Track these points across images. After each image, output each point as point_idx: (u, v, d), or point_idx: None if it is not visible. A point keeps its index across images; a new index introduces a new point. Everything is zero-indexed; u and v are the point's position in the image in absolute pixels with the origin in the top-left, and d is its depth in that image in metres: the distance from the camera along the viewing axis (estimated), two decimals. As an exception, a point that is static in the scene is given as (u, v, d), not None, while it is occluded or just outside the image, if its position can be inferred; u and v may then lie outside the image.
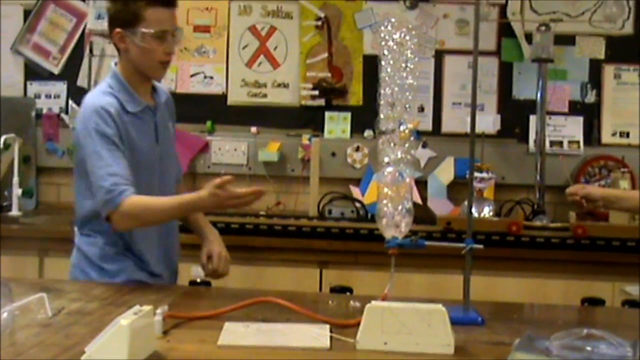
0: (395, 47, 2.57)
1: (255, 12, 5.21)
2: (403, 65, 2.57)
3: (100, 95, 3.13)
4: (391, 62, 2.57)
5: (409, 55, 2.57)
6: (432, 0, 5.10)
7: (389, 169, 2.56)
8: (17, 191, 4.76)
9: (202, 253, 3.37)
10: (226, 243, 3.43)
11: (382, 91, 2.57)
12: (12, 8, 5.32)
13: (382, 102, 2.57)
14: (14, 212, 4.75)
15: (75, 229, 3.28)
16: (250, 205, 3.05)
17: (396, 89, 2.56)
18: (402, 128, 2.55)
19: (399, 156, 2.56)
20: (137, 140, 3.11)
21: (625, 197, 3.51)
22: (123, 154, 3.02)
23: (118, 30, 3.12)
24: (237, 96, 5.15)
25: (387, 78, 2.57)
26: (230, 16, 5.20)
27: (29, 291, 2.62)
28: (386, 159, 2.57)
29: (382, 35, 2.58)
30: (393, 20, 2.58)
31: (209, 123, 5.06)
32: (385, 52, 2.58)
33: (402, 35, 2.56)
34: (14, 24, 5.33)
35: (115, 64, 3.24)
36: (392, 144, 2.56)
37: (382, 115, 2.57)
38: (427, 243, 2.59)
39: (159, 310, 2.35)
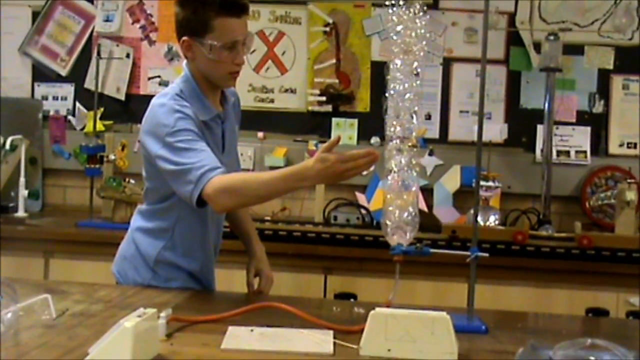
0: (403, 54, 2.57)
1: (263, 17, 5.22)
2: (411, 72, 2.57)
3: (174, 98, 2.98)
4: (399, 69, 2.57)
5: (417, 62, 2.57)
6: (441, 8, 5.11)
7: (395, 176, 2.56)
8: (23, 192, 4.76)
9: (250, 269, 3.37)
10: (231, 247, 3.44)
11: (389, 98, 2.57)
12: (20, 10, 5.33)
13: (389, 109, 2.57)
14: (20, 213, 4.76)
15: (136, 222, 3.21)
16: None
17: (404, 96, 2.56)
18: (408, 135, 2.54)
19: (405, 163, 2.55)
20: None
21: None
22: (207, 145, 2.91)
23: (185, 38, 2.98)
24: (245, 101, 5.08)
25: (394, 85, 2.57)
26: (238, 21, 5.20)
27: (33, 292, 2.62)
28: (392, 166, 2.57)
29: (390, 42, 2.58)
30: (401, 27, 2.57)
31: (215, 127, 5.06)
32: (393, 59, 2.58)
33: (410, 42, 2.56)
34: (22, 26, 5.34)
35: (186, 66, 3.10)
36: (398, 151, 2.56)
37: (389, 122, 2.57)
38: (432, 251, 2.59)
39: (162, 314, 2.35)
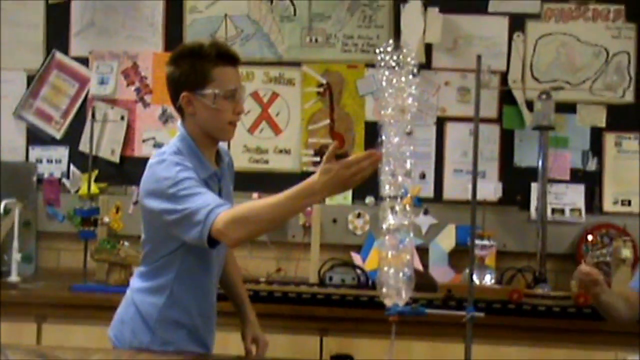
0: (396, 114, 2.58)
1: (257, 78, 5.25)
2: (404, 131, 2.58)
3: (173, 155, 3.00)
4: (392, 128, 2.58)
5: (410, 121, 2.58)
6: (433, 67, 5.14)
7: (390, 235, 2.55)
8: (16, 256, 4.72)
9: (247, 336, 3.40)
10: (226, 309, 3.42)
11: (383, 158, 2.57)
12: (15, 74, 5.36)
13: (383, 169, 2.57)
14: (13, 277, 4.72)
15: (135, 283, 3.20)
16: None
17: (397, 155, 2.56)
18: (403, 195, 2.54)
19: (400, 223, 2.55)
20: None
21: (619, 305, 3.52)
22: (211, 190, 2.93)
23: (185, 93, 3.02)
24: (239, 162, 5.13)
25: (388, 145, 2.57)
26: (232, 82, 5.23)
27: (26, 358, 2.59)
28: (387, 226, 2.57)
29: (384, 102, 2.59)
30: (394, 87, 2.59)
31: (210, 189, 5.06)
32: (387, 119, 2.58)
33: (404, 102, 2.57)
34: (17, 89, 5.36)
35: (182, 125, 3.12)
36: (393, 211, 2.56)
37: (383, 182, 2.57)
38: (428, 311, 2.58)
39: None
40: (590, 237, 4.95)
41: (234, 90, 3.04)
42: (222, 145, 3.27)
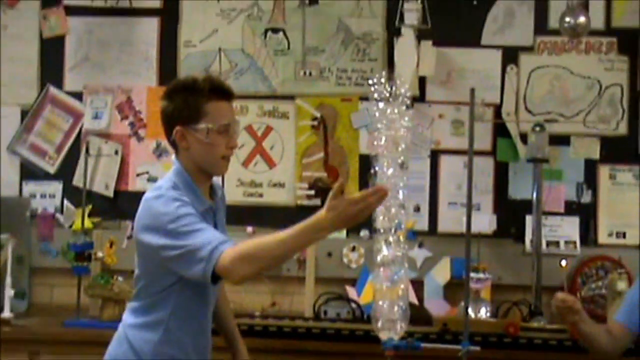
0: (390, 147, 2.58)
1: (251, 112, 5.25)
2: (398, 164, 2.57)
3: (170, 190, 2.98)
4: (386, 161, 2.57)
5: (404, 154, 2.58)
6: (427, 100, 5.15)
7: (385, 268, 2.54)
8: (9, 292, 4.69)
9: None
10: (220, 344, 3.40)
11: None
12: (9, 109, 5.35)
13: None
14: (6, 313, 4.68)
15: (127, 319, 3.14)
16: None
17: (392, 189, 2.56)
18: (397, 228, 2.54)
19: (395, 256, 2.54)
20: None
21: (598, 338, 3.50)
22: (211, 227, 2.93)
23: (179, 128, 3.01)
24: (233, 196, 5.14)
25: (382, 178, 2.57)
26: (226, 116, 5.23)
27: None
28: (382, 259, 2.56)
29: (378, 135, 2.59)
30: (388, 120, 2.59)
31: (204, 223, 5.05)
32: (381, 152, 2.58)
33: (397, 135, 2.57)
34: (11, 124, 5.35)
35: (177, 159, 3.10)
36: (387, 244, 2.55)
37: (377, 215, 2.57)
38: (423, 345, 2.57)
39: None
40: (585, 270, 4.94)
41: (227, 125, 3.03)
42: (215, 179, 3.26)
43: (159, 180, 3.18)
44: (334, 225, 2.66)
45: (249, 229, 5.11)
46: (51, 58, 5.37)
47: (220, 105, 3.03)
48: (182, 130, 3.01)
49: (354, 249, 5.04)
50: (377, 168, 2.59)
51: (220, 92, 3.05)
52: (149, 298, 3.07)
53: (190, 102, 3.00)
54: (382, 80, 2.57)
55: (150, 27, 5.33)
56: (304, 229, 2.72)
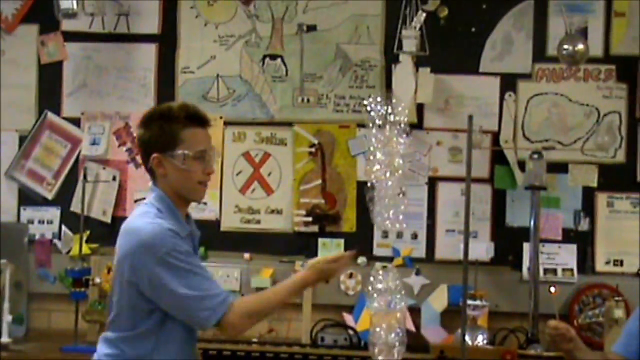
0: (388, 174, 2.58)
1: (249, 138, 5.25)
2: (396, 191, 2.58)
3: (157, 219, 2.95)
4: (384, 188, 2.58)
5: (402, 181, 2.58)
6: (425, 127, 5.16)
7: (382, 295, 2.54)
8: (7, 318, 4.69)
9: None
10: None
11: (375, 218, 2.57)
12: (7, 134, 5.36)
13: (375, 229, 2.57)
14: (4, 339, 4.67)
15: (102, 350, 2.99)
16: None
17: (389, 216, 2.56)
18: (395, 255, 2.54)
19: (392, 283, 2.54)
20: None
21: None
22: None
23: (155, 155, 2.99)
24: (231, 222, 5.15)
25: (380, 205, 2.57)
26: (224, 142, 5.24)
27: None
28: (379, 286, 2.56)
29: (375, 162, 2.60)
30: (386, 147, 2.59)
31: (201, 249, 5.02)
32: (379, 178, 2.59)
33: (395, 162, 2.58)
34: (9, 150, 5.37)
35: (155, 187, 3.07)
36: (385, 271, 2.55)
37: (375, 242, 2.57)
38: (421, 372, 2.56)
39: None
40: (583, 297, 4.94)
41: (203, 151, 3.03)
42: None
43: (139, 207, 3.14)
44: (316, 281, 3.09)
45: (246, 255, 5.10)
46: (49, 84, 5.39)
47: (196, 132, 3.03)
48: (159, 157, 3.01)
49: (351, 275, 5.02)
50: (374, 195, 2.59)
51: (196, 119, 3.05)
52: (126, 331, 2.97)
53: (166, 129, 3.00)
54: (379, 100, 2.57)
55: (148, 53, 5.35)
56: (294, 285, 3.04)
